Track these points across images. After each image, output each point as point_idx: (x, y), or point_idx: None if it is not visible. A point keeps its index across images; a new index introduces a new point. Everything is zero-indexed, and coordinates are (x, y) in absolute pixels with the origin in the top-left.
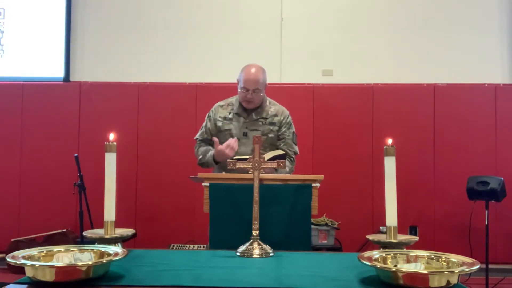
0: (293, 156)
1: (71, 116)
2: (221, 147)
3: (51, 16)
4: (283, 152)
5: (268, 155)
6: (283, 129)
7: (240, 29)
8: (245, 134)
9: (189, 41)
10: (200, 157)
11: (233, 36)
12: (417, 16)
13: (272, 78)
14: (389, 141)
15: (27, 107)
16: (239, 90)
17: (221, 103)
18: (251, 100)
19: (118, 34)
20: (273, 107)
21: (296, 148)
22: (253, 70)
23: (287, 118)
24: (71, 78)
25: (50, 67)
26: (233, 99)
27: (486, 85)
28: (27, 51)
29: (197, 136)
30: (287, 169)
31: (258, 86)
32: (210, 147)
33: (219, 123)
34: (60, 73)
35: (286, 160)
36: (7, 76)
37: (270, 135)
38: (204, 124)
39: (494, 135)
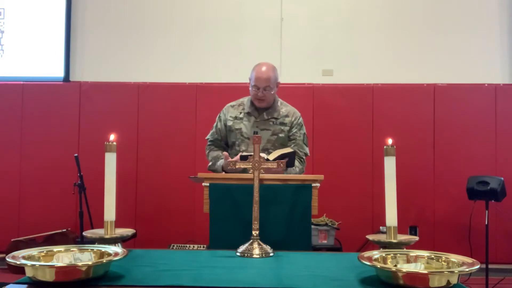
0: (304, 157)
1: (71, 116)
2: (230, 161)
3: (51, 16)
4: (292, 150)
5: (277, 152)
6: (294, 130)
7: (240, 29)
8: (255, 134)
9: (189, 41)
10: (210, 163)
11: (233, 36)
12: (417, 16)
13: None
14: (389, 141)
15: (27, 107)
16: (250, 89)
17: (232, 103)
18: (262, 98)
19: (118, 34)
20: (285, 108)
21: (307, 149)
22: (263, 68)
23: (298, 119)
24: (71, 78)
25: (50, 67)
26: (244, 100)
27: (486, 85)
28: (27, 51)
29: (208, 136)
30: (297, 169)
31: (269, 84)
32: (221, 153)
33: (230, 123)
34: (60, 73)
35: (296, 161)
36: (7, 76)
37: (280, 135)
38: (214, 124)
39: (494, 135)
